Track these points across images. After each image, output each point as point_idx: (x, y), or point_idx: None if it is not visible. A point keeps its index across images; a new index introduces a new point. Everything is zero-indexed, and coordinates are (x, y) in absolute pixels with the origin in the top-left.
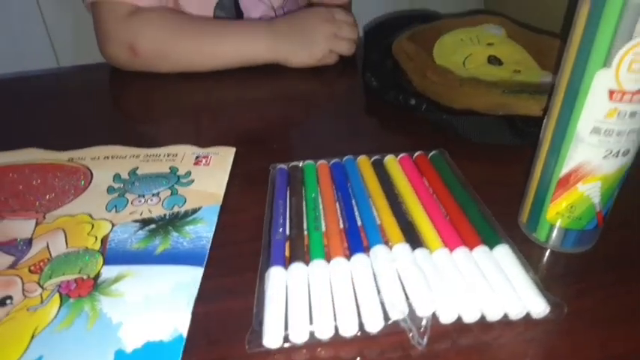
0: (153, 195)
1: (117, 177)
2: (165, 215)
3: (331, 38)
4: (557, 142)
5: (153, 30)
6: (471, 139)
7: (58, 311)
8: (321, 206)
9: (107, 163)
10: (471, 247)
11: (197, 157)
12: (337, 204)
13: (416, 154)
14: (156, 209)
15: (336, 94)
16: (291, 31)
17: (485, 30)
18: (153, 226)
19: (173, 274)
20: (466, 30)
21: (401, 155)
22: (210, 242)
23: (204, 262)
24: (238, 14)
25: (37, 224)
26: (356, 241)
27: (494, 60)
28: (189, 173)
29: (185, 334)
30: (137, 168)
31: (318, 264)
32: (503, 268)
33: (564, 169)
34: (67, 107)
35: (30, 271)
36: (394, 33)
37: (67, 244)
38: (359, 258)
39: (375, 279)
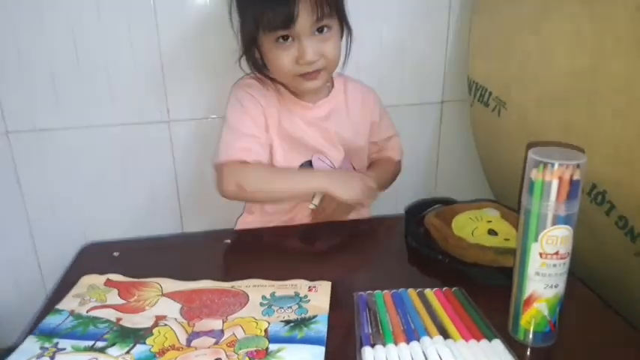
0: (288, 307)
1: (264, 297)
2: (297, 319)
3: (362, 189)
4: (520, 280)
5: (255, 174)
6: (478, 281)
7: None
8: (388, 316)
9: (255, 289)
10: (478, 340)
11: (309, 287)
12: (398, 317)
13: (444, 288)
14: (291, 315)
15: (386, 249)
16: (338, 176)
17: (485, 212)
18: (292, 324)
19: (308, 349)
20: (473, 212)
21: (435, 289)
22: (325, 333)
23: (325, 343)
24: None
25: (223, 322)
26: (411, 335)
27: (492, 232)
28: (306, 296)
29: None
30: (274, 292)
31: (391, 346)
32: (496, 351)
33: (525, 295)
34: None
35: (227, 345)
36: (425, 210)
37: (244, 332)
38: (414, 343)
39: (423, 353)
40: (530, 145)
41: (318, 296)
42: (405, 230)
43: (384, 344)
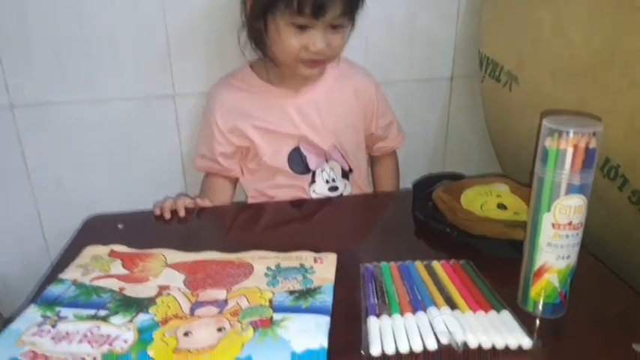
0: (293, 278)
1: (268, 268)
2: (302, 289)
3: None
4: (531, 252)
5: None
6: (486, 254)
7: (254, 334)
8: (394, 287)
9: (260, 260)
10: (486, 311)
11: (315, 259)
12: (404, 288)
13: (451, 261)
14: (296, 286)
15: (393, 223)
16: None
17: (495, 186)
18: (297, 294)
19: (313, 318)
20: (482, 186)
21: (442, 262)
22: (331, 304)
23: (330, 313)
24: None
25: (227, 292)
26: (418, 305)
27: (501, 206)
28: (311, 267)
29: (326, 346)
30: (279, 264)
31: (396, 316)
32: (505, 322)
33: (536, 266)
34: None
35: (231, 315)
36: (433, 186)
37: (248, 302)
38: (420, 313)
39: (430, 324)
40: (544, 114)
41: (324, 268)
42: (413, 204)
43: (389, 314)
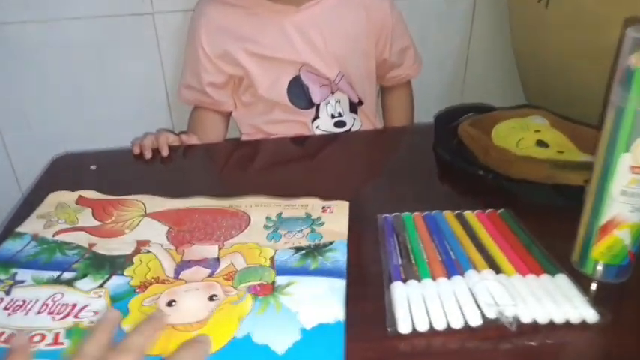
0: (298, 232)
1: (268, 219)
2: (309, 245)
3: None
4: (598, 202)
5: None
6: (527, 201)
7: (253, 304)
8: (421, 244)
9: (258, 209)
10: (537, 274)
11: (323, 208)
12: (433, 244)
13: (487, 210)
14: (302, 241)
15: (412, 164)
16: None
17: (532, 120)
18: (303, 251)
19: (325, 282)
20: (516, 120)
21: (476, 211)
22: (345, 264)
23: (345, 276)
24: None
25: (219, 249)
26: (453, 268)
27: (541, 143)
28: (319, 218)
29: (343, 319)
30: (281, 213)
31: (427, 281)
32: (563, 289)
33: (603, 220)
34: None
35: (224, 278)
36: (456, 119)
37: (245, 261)
38: (457, 278)
39: (470, 291)
40: (628, 22)
41: (334, 219)
42: (435, 141)
43: (418, 279)
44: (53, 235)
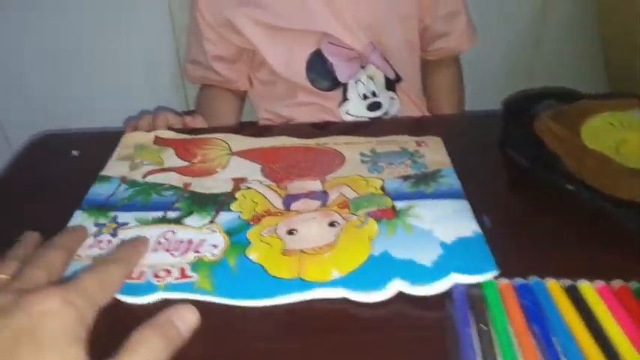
0: (400, 163)
1: (362, 154)
2: (418, 174)
3: None
4: None
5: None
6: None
7: (379, 226)
8: (510, 327)
9: (348, 146)
10: None
11: (417, 142)
12: (531, 336)
13: (613, 282)
14: (406, 171)
15: (471, 167)
16: None
17: (634, 115)
18: (413, 180)
19: (447, 204)
20: (613, 113)
21: (598, 283)
22: (461, 187)
23: (466, 197)
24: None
25: (322, 183)
26: None
27: None
28: (417, 152)
29: (481, 231)
30: (375, 149)
31: None
32: None
33: None
34: None
35: (339, 207)
36: (531, 108)
37: (354, 191)
38: None
39: None
40: None
41: (432, 151)
42: (503, 136)
43: None
44: (143, 177)
